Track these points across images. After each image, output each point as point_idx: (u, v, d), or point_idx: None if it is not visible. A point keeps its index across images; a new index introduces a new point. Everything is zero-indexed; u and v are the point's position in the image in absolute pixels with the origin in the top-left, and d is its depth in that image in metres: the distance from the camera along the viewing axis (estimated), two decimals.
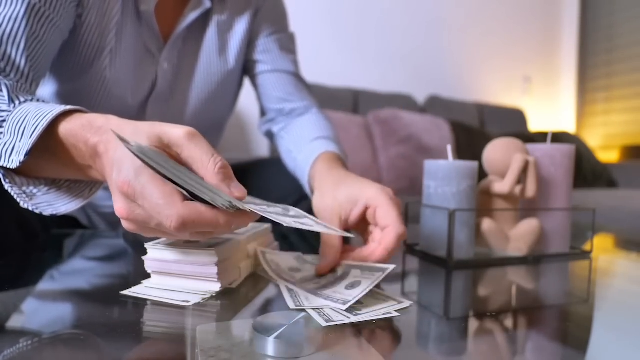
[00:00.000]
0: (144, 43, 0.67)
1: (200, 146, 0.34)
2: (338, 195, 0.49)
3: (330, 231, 0.38)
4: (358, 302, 0.35)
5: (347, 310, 0.34)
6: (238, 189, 0.34)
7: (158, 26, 0.66)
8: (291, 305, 0.36)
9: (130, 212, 0.33)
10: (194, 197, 0.32)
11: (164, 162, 0.32)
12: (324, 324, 0.31)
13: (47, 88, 0.67)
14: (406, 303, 0.37)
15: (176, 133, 0.34)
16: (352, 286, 0.37)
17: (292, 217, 0.36)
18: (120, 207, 0.33)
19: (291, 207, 0.41)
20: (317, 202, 0.52)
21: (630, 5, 2.78)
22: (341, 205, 0.48)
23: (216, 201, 0.31)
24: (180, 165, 0.34)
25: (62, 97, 0.67)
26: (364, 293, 0.35)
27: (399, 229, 0.44)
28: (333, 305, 0.35)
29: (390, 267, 0.39)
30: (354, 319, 0.33)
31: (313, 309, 0.34)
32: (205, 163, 0.34)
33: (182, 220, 0.30)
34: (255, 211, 0.33)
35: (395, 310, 0.35)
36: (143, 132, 0.35)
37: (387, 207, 0.45)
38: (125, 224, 0.35)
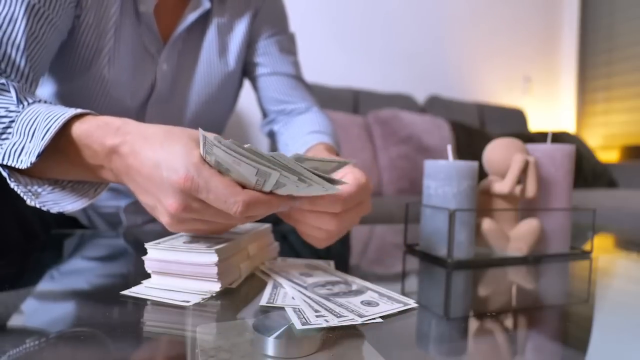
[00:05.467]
0: (143, 44, 0.66)
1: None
2: None
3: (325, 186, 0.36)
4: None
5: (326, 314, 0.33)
6: None
7: (157, 27, 0.66)
8: (263, 301, 0.36)
9: (186, 206, 0.36)
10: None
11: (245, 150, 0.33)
12: (299, 326, 0.30)
13: (45, 88, 0.67)
14: (392, 311, 0.35)
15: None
16: (368, 304, 0.36)
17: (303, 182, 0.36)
18: (173, 202, 0.36)
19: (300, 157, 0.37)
20: None
21: (630, 5, 2.78)
22: None
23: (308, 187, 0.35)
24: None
25: (60, 97, 0.67)
26: (383, 314, 0.34)
27: (356, 172, 0.43)
28: (349, 315, 0.33)
29: (411, 302, 0.37)
30: (332, 323, 0.31)
31: (293, 308, 0.34)
32: None
33: (247, 204, 0.35)
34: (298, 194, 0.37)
35: (381, 317, 0.33)
36: (180, 136, 0.37)
37: (352, 172, 0.44)
38: (168, 220, 0.37)
